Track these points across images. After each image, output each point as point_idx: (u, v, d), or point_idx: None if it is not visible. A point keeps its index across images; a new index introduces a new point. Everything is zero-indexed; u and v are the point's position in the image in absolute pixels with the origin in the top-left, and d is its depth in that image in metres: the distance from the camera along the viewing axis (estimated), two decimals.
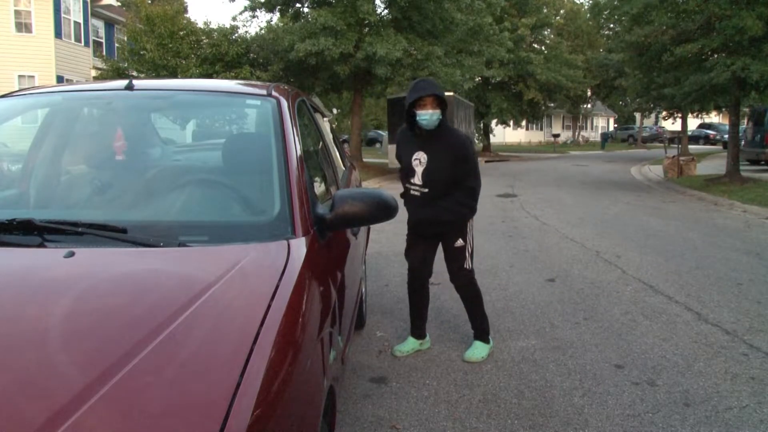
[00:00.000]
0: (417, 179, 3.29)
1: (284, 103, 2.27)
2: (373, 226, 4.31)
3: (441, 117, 3.23)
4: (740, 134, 14.91)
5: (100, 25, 23.68)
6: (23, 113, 2.58)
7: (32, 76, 19.68)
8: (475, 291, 3.53)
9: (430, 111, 3.17)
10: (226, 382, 1.12)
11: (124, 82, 2.37)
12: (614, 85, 29.31)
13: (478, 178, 3.41)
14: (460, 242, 3.44)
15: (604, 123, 56.04)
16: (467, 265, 3.48)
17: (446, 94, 17.91)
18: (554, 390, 3.03)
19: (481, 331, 3.54)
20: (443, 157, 3.25)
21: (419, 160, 3.27)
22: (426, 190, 3.28)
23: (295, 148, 2.05)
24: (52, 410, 1.02)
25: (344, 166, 3.87)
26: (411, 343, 3.55)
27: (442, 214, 3.32)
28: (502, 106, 29.07)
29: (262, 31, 19.22)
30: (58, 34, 20.20)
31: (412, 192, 3.35)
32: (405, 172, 3.38)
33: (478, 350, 3.47)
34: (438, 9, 16.32)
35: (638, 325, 3.97)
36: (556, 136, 39.47)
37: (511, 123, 33.09)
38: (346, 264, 2.34)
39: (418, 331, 3.59)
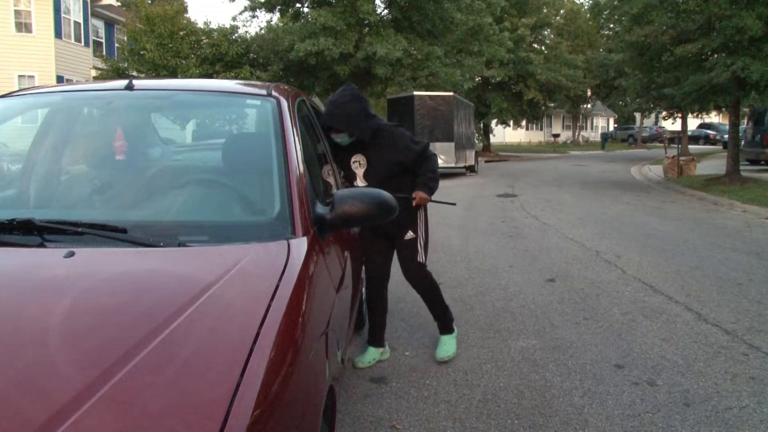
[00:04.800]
0: (360, 181, 3.21)
1: (284, 103, 2.27)
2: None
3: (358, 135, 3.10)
4: (740, 134, 14.91)
5: (100, 25, 23.68)
6: (23, 113, 2.58)
7: (32, 76, 19.68)
8: (430, 284, 3.45)
9: (341, 135, 3.09)
10: (226, 382, 1.12)
11: (124, 82, 2.37)
12: (614, 85, 29.30)
13: (427, 148, 3.27)
14: (410, 234, 3.32)
15: (604, 123, 56.04)
16: (420, 258, 3.35)
17: (446, 94, 17.73)
18: (554, 390, 3.03)
19: (445, 324, 3.50)
20: (381, 155, 3.17)
21: (358, 162, 3.20)
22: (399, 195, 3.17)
23: (295, 148, 2.05)
24: (52, 410, 1.02)
25: None
26: (372, 353, 3.41)
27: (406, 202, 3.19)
28: (502, 106, 29.10)
29: (262, 31, 19.24)
30: (58, 34, 20.20)
31: None
32: (346, 173, 3.24)
33: (448, 346, 3.46)
34: (438, 9, 16.35)
35: (638, 325, 3.97)
36: (556, 136, 39.49)
37: (511, 123, 33.11)
38: (346, 264, 2.34)
39: (378, 340, 3.45)
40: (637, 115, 41.70)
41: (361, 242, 3.24)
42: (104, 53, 21.12)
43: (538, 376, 3.20)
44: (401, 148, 3.18)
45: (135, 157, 2.37)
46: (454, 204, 3.72)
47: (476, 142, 26.88)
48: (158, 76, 16.96)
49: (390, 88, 20.43)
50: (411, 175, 3.25)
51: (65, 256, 1.52)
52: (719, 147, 31.40)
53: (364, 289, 3.73)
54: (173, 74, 17.19)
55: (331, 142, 3.15)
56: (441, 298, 3.52)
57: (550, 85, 29.33)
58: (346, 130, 3.06)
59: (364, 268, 3.36)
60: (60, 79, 19.78)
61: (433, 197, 3.30)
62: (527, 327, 3.98)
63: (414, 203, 3.19)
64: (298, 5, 18.33)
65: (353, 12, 15.93)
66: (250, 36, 19.23)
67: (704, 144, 35.83)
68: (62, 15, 20.43)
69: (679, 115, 26.20)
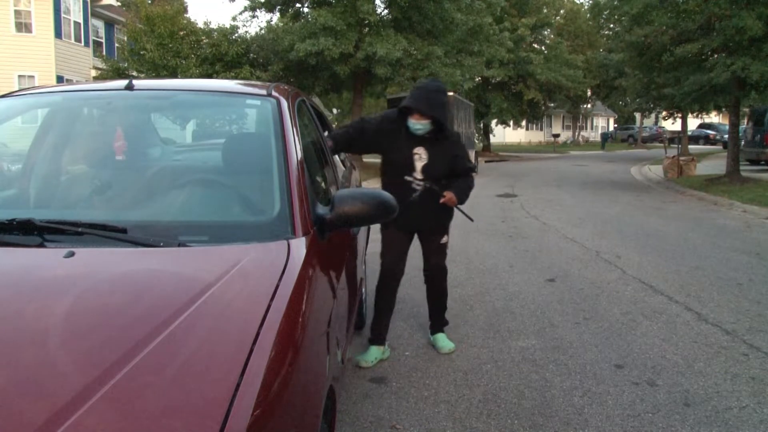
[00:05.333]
0: (418, 173, 3.30)
1: (284, 103, 2.27)
2: (373, 226, 4.32)
3: (434, 126, 3.24)
4: (740, 134, 14.90)
5: (100, 25, 23.67)
6: (23, 113, 2.58)
7: (32, 76, 19.67)
8: (446, 286, 3.64)
9: (423, 121, 3.21)
10: (226, 382, 1.12)
11: (124, 82, 2.37)
12: (614, 85, 29.28)
13: (473, 171, 3.52)
14: (445, 239, 3.50)
15: (604, 123, 56.02)
16: (446, 261, 3.59)
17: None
18: (554, 390, 3.03)
19: (441, 323, 3.67)
20: (443, 154, 3.32)
21: (419, 155, 3.29)
22: (427, 184, 3.32)
23: (295, 148, 2.05)
24: (52, 410, 1.02)
25: (344, 166, 3.87)
26: (374, 352, 3.41)
27: (441, 208, 3.37)
28: (502, 106, 29.07)
29: (262, 31, 19.24)
30: (58, 34, 20.19)
31: (414, 185, 3.30)
32: (400, 166, 3.31)
33: (446, 341, 3.60)
34: (438, 9, 16.34)
35: (638, 325, 3.97)
36: (556, 136, 39.46)
37: (511, 123, 33.09)
38: (346, 264, 2.34)
39: (381, 338, 3.46)
40: (637, 115, 41.68)
41: (383, 236, 3.38)
42: (104, 53, 21.09)
43: (538, 376, 3.20)
44: (459, 154, 3.38)
45: (135, 157, 2.37)
46: (472, 220, 3.81)
47: (476, 142, 26.87)
48: (158, 76, 16.95)
49: (390, 88, 20.43)
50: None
51: (65, 256, 1.52)
52: (719, 147, 31.37)
53: (363, 289, 3.74)
54: (173, 74, 17.17)
55: (336, 138, 3.21)
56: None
57: (550, 85, 29.31)
58: (435, 117, 3.19)
59: (381, 262, 3.44)
60: (60, 79, 19.77)
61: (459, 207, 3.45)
62: (527, 327, 3.98)
63: (442, 200, 3.30)
64: (298, 5, 18.31)
65: (353, 12, 15.92)
66: (250, 36, 19.21)
67: (704, 144, 35.79)
68: (62, 15, 20.42)
69: (679, 115, 26.18)
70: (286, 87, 2.59)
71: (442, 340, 3.59)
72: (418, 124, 3.21)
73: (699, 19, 11.85)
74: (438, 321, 3.66)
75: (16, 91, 2.59)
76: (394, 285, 3.48)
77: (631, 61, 15.01)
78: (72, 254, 1.53)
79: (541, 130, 48.82)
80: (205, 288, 1.39)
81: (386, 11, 17.42)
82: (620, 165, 21.92)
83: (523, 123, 38.02)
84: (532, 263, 5.84)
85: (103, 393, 1.06)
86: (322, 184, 2.63)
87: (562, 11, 36.17)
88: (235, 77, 16.41)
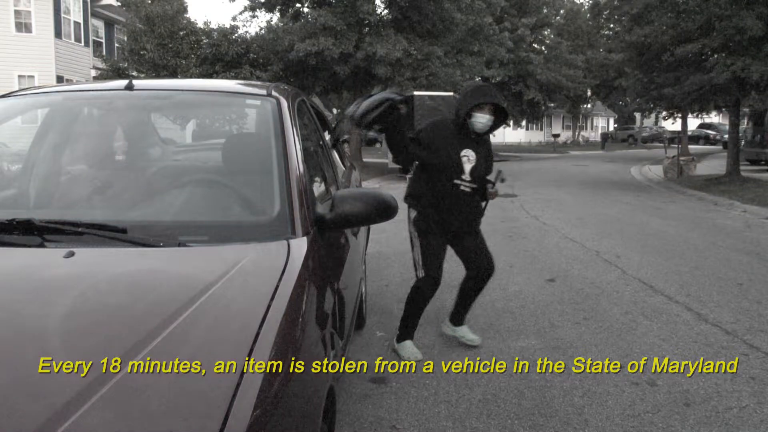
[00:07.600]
0: (466, 176, 3.36)
1: (284, 103, 2.27)
2: (373, 226, 4.31)
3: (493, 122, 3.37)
4: (740, 134, 14.91)
5: (100, 25, 23.66)
6: (23, 113, 2.58)
7: (32, 76, 19.65)
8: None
9: (488, 116, 3.30)
10: (226, 382, 1.12)
11: (123, 82, 2.37)
12: (614, 85, 29.26)
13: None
14: (482, 235, 3.58)
15: (604, 123, 56.00)
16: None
17: (446, 94, 17.74)
18: (554, 390, 3.03)
19: (464, 317, 3.75)
20: (484, 156, 3.43)
21: (468, 157, 3.35)
22: (475, 185, 3.40)
23: (295, 148, 2.05)
24: (52, 410, 1.02)
25: (344, 166, 3.87)
26: (412, 347, 3.51)
27: (479, 207, 3.50)
28: None
29: (262, 31, 19.21)
30: (58, 34, 20.18)
31: (462, 187, 3.35)
32: (448, 169, 3.32)
33: (471, 333, 3.70)
34: (438, 9, 16.36)
35: (638, 325, 3.97)
36: (556, 136, 39.43)
37: (511, 123, 33.08)
38: (346, 264, 2.34)
39: (411, 335, 3.58)
40: (637, 115, 41.69)
41: (423, 245, 3.39)
42: (104, 53, 21.09)
43: (538, 376, 3.20)
44: (491, 155, 3.52)
45: (135, 157, 2.37)
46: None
47: None
48: (158, 76, 16.95)
49: (390, 88, 20.43)
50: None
51: (65, 256, 1.52)
52: (719, 147, 31.38)
53: (363, 289, 3.74)
54: (173, 74, 17.18)
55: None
56: None
57: (550, 85, 29.32)
58: (503, 114, 3.35)
59: (424, 272, 3.41)
60: (60, 79, 19.76)
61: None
62: (527, 327, 3.98)
63: (491, 194, 3.44)
64: (298, 5, 18.32)
65: (353, 12, 15.93)
66: (250, 36, 19.20)
67: (704, 144, 35.80)
68: (62, 15, 20.40)
69: (679, 115, 26.19)
70: (286, 87, 2.59)
71: (471, 333, 3.68)
72: (484, 119, 3.29)
73: (699, 19, 11.85)
74: (464, 316, 3.71)
75: (16, 91, 2.59)
76: (435, 291, 3.48)
77: (631, 61, 15.02)
78: (72, 254, 1.52)
79: (541, 130, 48.77)
80: (205, 288, 1.39)
81: (386, 11, 17.42)
82: (620, 165, 21.92)
83: (523, 123, 38.03)
84: (532, 263, 5.84)
85: (103, 393, 1.06)
86: (322, 184, 2.63)
87: (562, 11, 36.16)
88: (235, 77, 16.41)
